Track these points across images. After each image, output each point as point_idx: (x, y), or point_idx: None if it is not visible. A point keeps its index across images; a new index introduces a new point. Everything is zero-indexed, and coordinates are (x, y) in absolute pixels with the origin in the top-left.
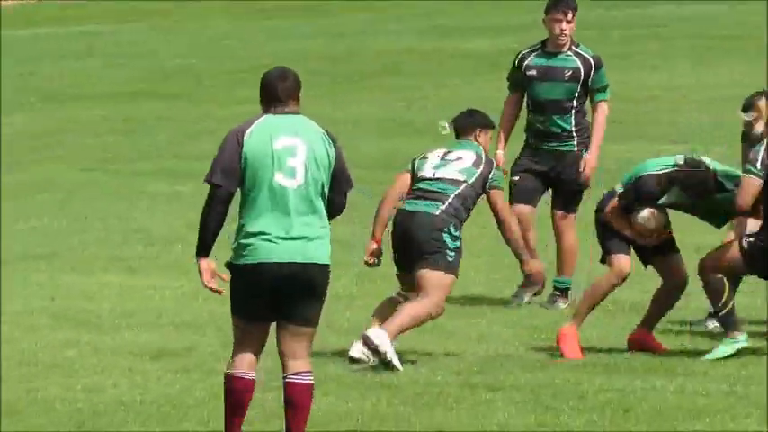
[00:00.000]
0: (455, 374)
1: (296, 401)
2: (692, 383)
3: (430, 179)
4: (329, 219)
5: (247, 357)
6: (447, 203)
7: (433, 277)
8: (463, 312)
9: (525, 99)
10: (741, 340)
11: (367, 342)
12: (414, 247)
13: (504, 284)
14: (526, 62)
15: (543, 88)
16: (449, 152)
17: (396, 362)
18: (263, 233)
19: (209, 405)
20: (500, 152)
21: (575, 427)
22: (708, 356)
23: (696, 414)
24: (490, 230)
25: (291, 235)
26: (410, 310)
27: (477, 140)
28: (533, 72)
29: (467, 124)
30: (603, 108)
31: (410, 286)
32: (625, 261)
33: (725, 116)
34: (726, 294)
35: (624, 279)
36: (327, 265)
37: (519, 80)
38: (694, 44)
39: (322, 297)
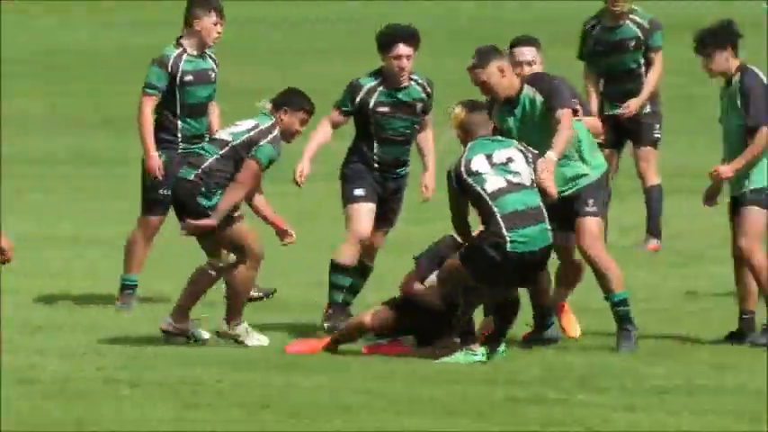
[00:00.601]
0: (97, 370)
1: None
2: (335, 382)
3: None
4: None
5: None
6: (202, 167)
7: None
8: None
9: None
10: (479, 353)
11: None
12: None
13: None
14: None
15: None
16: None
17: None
18: None
19: None
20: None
21: (215, 422)
22: (443, 359)
23: (337, 411)
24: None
25: None
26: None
27: (280, 118)
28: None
29: (276, 102)
30: None
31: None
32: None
33: None
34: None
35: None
36: None
37: None
38: None
39: None
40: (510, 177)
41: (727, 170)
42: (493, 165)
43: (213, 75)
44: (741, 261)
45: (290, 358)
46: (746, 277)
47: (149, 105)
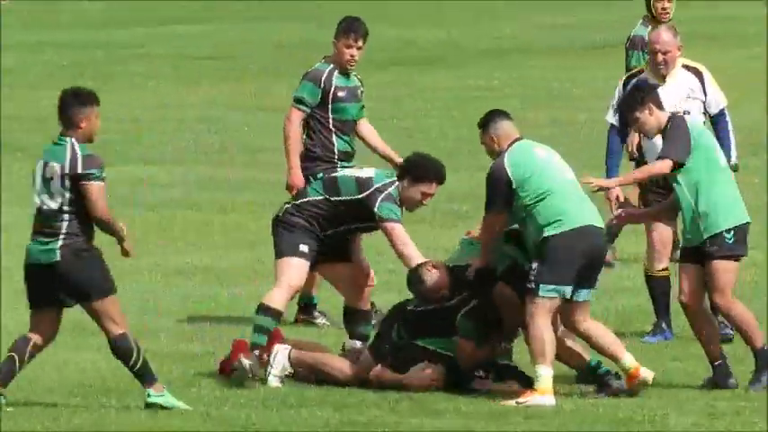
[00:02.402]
0: None
1: None
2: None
3: None
4: None
5: None
6: None
7: None
8: None
9: None
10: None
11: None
12: None
13: None
14: None
15: None
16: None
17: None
18: None
19: None
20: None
21: None
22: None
23: None
24: None
25: None
26: None
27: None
28: None
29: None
30: None
31: None
32: None
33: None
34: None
35: None
36: None
37: None
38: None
39: None
40: None
41: (602, 182)
42: None
43: (360, 91)
44: (691, 311)
45: None
46: (704, 327)
47: (298, 119)
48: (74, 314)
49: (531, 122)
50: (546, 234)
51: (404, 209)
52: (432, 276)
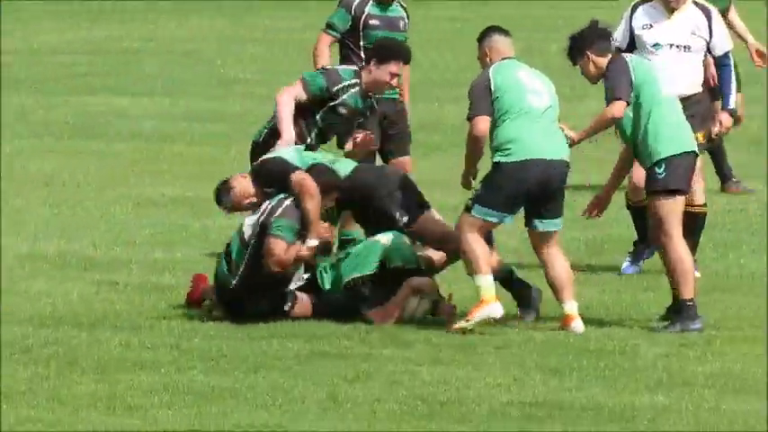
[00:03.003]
0: None
1: None
2: (138, 337)
3: None
4: None
5: None
6: None
7: None
8: None
9: None
10: None
11: None
12: None
13: None
14: None
15: None
16: None
17: None
18: None
19: None
20: None
21: (20, 378)
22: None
23: (141, 366)
24: None
25: None
26: None
27: None
28: None
29: None
30: None
31: None
32: None
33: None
34: None
35: None
36: None
37: None
38: None
39: None
40: None
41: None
42: None
43: (402, 23)
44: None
45: (97, 316)
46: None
47: (326, 43)
48: (55, 246)
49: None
50: (494, 159)
51: (374, 95)
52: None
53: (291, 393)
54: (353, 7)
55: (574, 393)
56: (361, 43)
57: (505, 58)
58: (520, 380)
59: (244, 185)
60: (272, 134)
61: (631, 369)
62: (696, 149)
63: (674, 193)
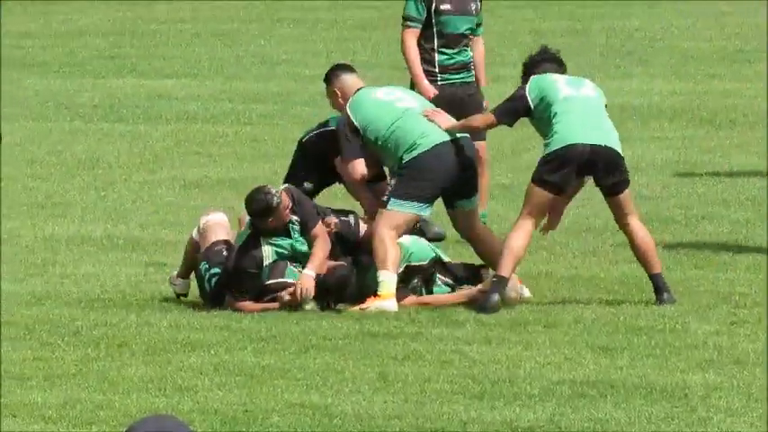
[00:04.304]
0: None
1: None
2: (187, 318)
3: None
4: None
5: None
6: None
7: None
8: None
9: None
10: None
11: None
12: None
13: None
14: None
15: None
16: None
17: None
18: None
19: None
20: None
21: (70, 361)
22: None
23: (191, 347)
24: None
25: None
26: None
27: None
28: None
29: None
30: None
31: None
32: None
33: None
34: None
35: None
36: None
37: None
38: None
39: None
40: None
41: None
42: None
43: (474, 6)
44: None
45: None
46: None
47: (412, 38)
48: (102, 229)
49: None
50: (403, 160)
51: None
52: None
53: (342, 373)
54: None
55: (625, 372)
56: (435, 29)
57: (357, 90)
58: (570, 358)
59: (285, 201)
60: (321, 136)
61: (682, 347)
62: (592, 142)
63: (544, 185)
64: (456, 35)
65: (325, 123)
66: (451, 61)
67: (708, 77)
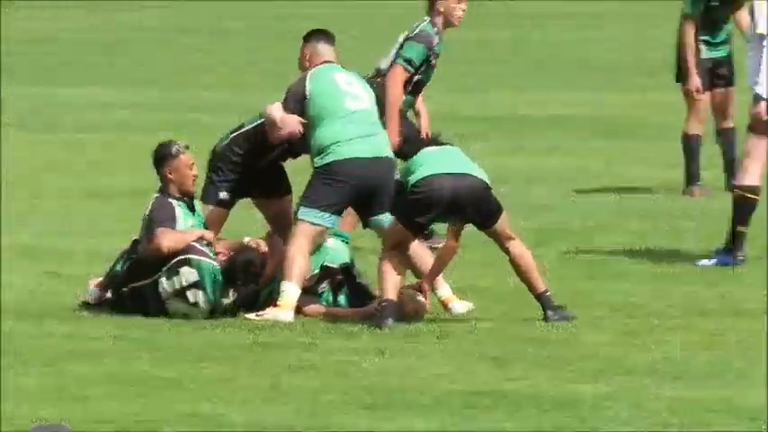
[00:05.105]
0: None
1: None
2: (82, 328)
3: None
4: None
5: None
6: None
7: None
8: None
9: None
10: None
11: None
12: None
13: None
14: None
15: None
16: None
17: None
18: None
19: None
20: None
21: None
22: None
23: (85, 356)
24: None
25: None
26: None
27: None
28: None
29: None
30: None
31: None
32: None
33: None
34: None
35: None
36: None
37: None
38: None
39: None
40: None
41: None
42: None
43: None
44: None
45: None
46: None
47: (402, 78)
48: None
49: None
50: (315, 164)
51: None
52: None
53: (235, 383)
54: (432, 46)
55: (517, 382)
56: (417, 78)
57: (324, 62)
58: (463, 369)
59: (188, 158)
60: (244, 138)
61: (574, 357)
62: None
63: None
64: (424, 84)
65: (240, 126)
66: (409, 106)
67: (607, 89)
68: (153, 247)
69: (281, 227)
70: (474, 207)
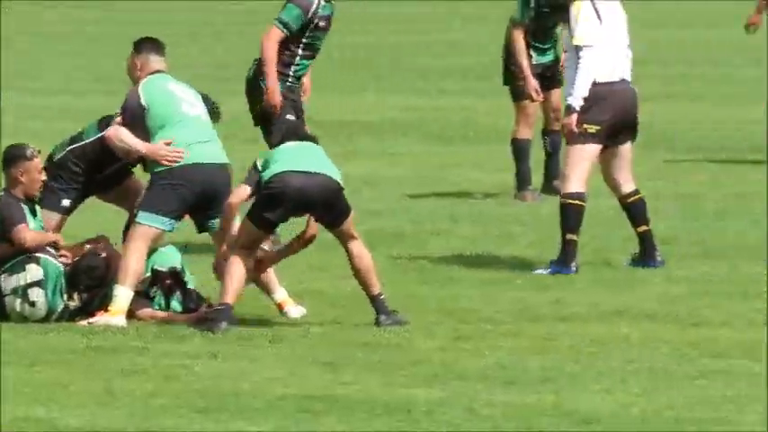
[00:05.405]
0: None
1: None
2: None
3: None
4: None
5: None
6: None
7: None
8: None
9: None
10: None
11: None
12: None
13: None
14: None
15: None
16: None
17: None
18: None
19: None
20: None
21: None
22: None
23: None
24: None
25: None
26: None
27: None
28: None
29: None
30: None
31: None
32: None
33: None
34: None
35: None
36: None
37: None
38: None
39: None
40: None
41: None
42: None
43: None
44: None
45: None
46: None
47: (276, 39)
48: None
49: None
50: (153, 170)
51: None
52: None
53: (67, 388)
54: (311, 12)
55: (349, 386)
56: (304, 41)
57: (155, 72)
58: (296, 373)
59: (38, 163)
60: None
61: (406, 362)
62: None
63: None
64: (317, 50)
65: (79, 136)
66: (304, 72)
67: (442, 93)
68: (18, 243)
69: (132, 203)
70: (324, 206)
